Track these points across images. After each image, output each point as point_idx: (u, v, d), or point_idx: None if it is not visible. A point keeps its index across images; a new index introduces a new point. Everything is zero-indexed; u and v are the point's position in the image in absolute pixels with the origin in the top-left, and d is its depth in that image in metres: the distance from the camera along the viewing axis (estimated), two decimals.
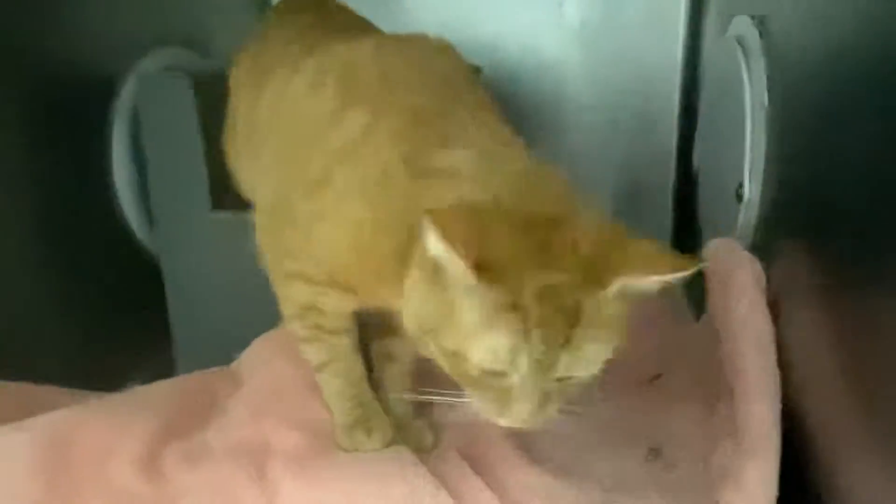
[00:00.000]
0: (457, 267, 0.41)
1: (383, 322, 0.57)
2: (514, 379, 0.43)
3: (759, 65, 0.67)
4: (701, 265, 0.43)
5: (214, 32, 0.93)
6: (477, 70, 0.87)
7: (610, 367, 0.74)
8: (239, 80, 0.74)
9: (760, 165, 0.67)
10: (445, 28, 0.93)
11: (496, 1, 0.99)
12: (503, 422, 0.45)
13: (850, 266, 0.50)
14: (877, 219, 0.45)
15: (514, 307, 0.41)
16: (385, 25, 0.77)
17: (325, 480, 0.53)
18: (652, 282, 0.42)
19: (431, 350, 0.45)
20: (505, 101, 0.97)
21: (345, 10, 0.78)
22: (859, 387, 0.48)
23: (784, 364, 0.58)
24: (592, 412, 0.64)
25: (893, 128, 0.43)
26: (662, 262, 0.43)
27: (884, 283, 0.44)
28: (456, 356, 0.43)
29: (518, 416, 0.44)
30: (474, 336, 0.42)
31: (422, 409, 0.64)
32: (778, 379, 0.57)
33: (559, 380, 0.44)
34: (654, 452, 0.61)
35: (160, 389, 0.65)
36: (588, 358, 0.43)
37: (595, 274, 0.42)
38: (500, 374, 0.43)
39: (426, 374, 0.53)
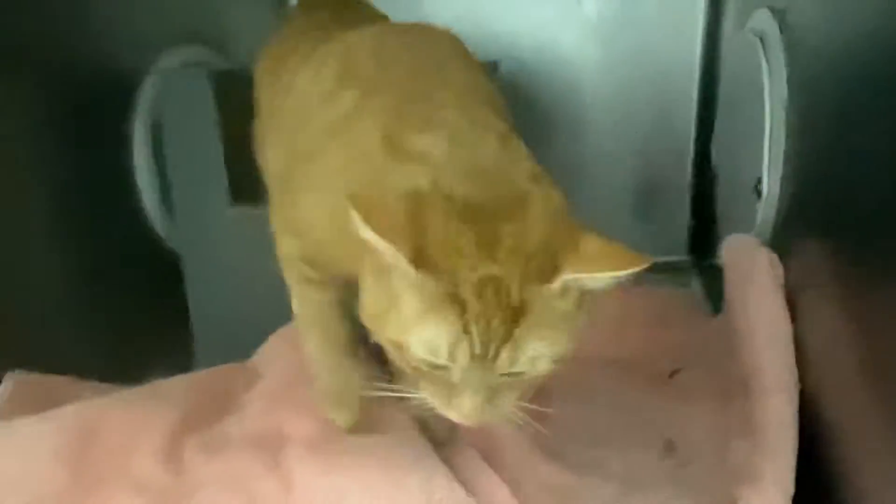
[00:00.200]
0: (391, 255, 0.40)
1: None
2: (456, 373, 0.42)
3: (779, 59, 0.67)
4: (649, 263, 0.42)
5: (233, 31, 0.94)
6: (494, 65, 0.88)
7: (625, 363, 0.74)
8: (261, 77, 0.74)
9: (780, 161, 0.66)
10: (461, 22, 0.93)
11: None
12: (451, 415, 0.44)
13: (870, 262, 0.49)
14: None
15: (453, 299, 0.40)
16: (402, 20, 0.77)
17: (339, 469, 0.54)
18: (598, 279, 0.41)
19: (382, 340, 0.45)
20: (521, 96, 0.98)
21: (363, 6, 0.79)
22: (878, 384, 0.47)
23: (802, 360, 0.57)
24: (608, 407, 0.64)
25: None
26: (610, 259, 0.41)
27: None
28: (400, 348, 0.43)
29: (462, 410, 0.43)
30: (413, 328, 0.41)
31: None
32: (796, 375, 0.57)
33: (508, 375, 0.42)
34: (670, 448, 0.61)
35: (180, 383, 0.66)
36: (533, 355, 0.42)
37: (540, 269, 0.40)
38: (442, 368, 0.42)
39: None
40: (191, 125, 0.78)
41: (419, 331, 0.41)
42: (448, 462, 0.55)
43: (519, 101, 0.97)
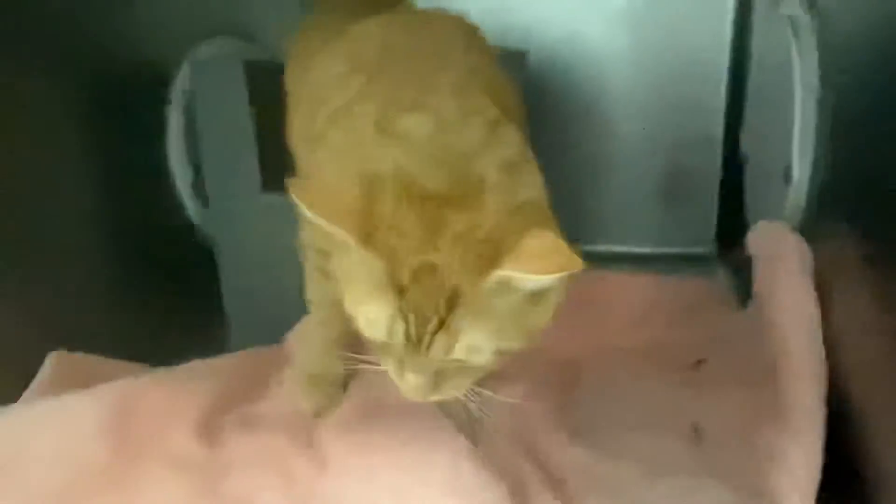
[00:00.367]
0: (341, 236, 0.41)
1: None
2: (397, 352, 0.43)
3: (810, 43, 0.66)
4: (580, 267, 0.41)
5: (264, 22, 0.95)
6: (523, 55, 0.88)
7: (651, 352, 0.74)
8: (290, 66, 0.76)
9: (810, 146, 0.66)
10: (490, 12, 0.93)
11: None
12: (401, 389, 0.45)
13: None
14: None
15: (393, 282, 0.41)
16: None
17: (371, 448, 0.55)
18: (530, 280, 0.41)
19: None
20: (550, 85, 0.98)
21: None
22: None
23: (830, 347, 0.57)
24: (634, 393, 0.65)
25: None
26: (543, 261, 0.40)
27: None
28: (353, 320, 0.44)
29: (407, 385, 0.44)
30: (359, 305, 0.43)
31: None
32: (824, 362, 0.57)
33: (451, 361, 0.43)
34: (696, 434, 0.61)
35: (215, 364, 0.68)
36: (470, 345, 0.42)
37: (480, 261, 0.40)
38: (388, 344, 0.43)
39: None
40: (224, 114, 0.79)
41: (364, 308, 0.43)
42: (475, 442, 0.56)
43: (547, 90, 0.97)
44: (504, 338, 0.43)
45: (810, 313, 0.58)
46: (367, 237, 0.41)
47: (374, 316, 0.43)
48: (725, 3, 0.94)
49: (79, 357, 0.67)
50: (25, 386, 0.63)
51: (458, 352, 0.42)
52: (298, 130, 0.64)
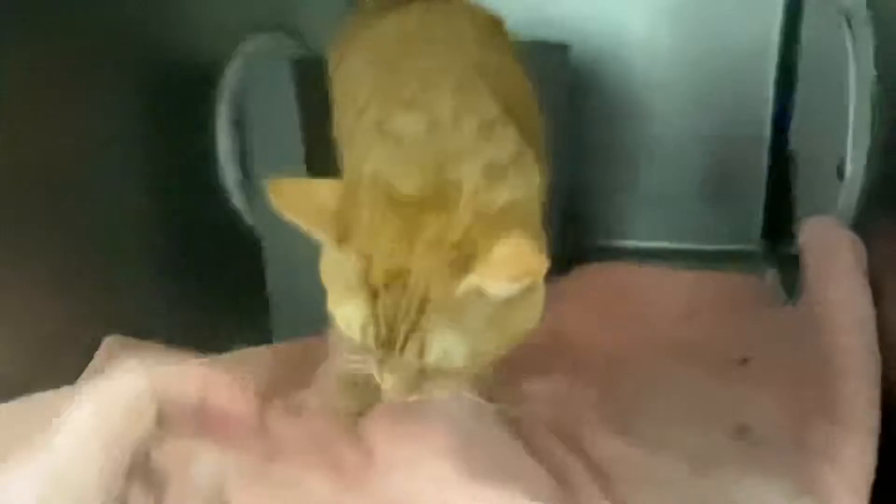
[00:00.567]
0: (319, 236, 0.42)
1: None
2: (374, 353, 0.43)
3: (866, 36, 0.64)
4: (542, 273, 0.40)
5: (312, 18, 0.97)
6: (564, 48, 0.88)
7: (696, 348, 0.74)
8: (333, 64, 0.77)
9: (864, 141, 0.65)
10: (529, 5, 0.94)
11: None
12: (382, 389, 0.45)
13: None
14: None
15: (366, 284, 0.41)
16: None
17: (414, 439, 0.56)
18: (499, 287, 0.40)
19: None
20: (590, 79, 0.98)
21: None
22: None
23: (885, 346, 0.56)
24: (679, 389, 0.64)
25: None
26: (510, 268, 0.40)
27: None
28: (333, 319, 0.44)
29: (386, 385, 0.44)
30: (336, 305, 0.43)
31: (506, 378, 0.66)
32: (878, 360, 0.55)
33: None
34: (742, 429, 0.60)
35: (263, 351, 0.70)
36: (444, 348, 0.42)
37: (452, 267, 0.40)
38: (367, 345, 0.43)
39: None
40: (272, 109, 0.81)
41: (340, 309, 0.43)
42: (517, 432, 0.56)
43: (590, 84, 0.97)
44: (481, 342, 0.42)
45: (864, 311, 0.57)
46: (343, 238, 0.41)
47: (349, 317, 0.43)
48: None
49: (132, 342, 0.69)
50: (83, 369, 0.65)
51: (431, 356, 0.42)
52: (337, 127, 0.65)
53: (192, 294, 0.84)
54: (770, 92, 0.95)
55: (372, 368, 0.45)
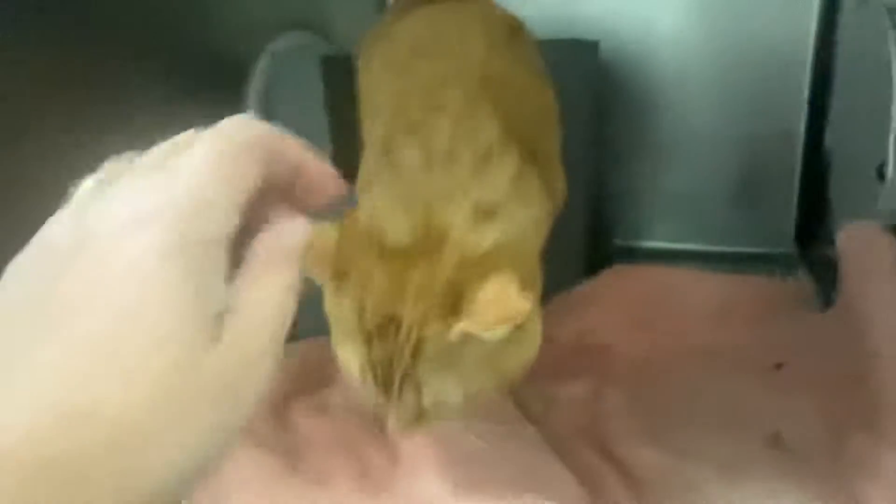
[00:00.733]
0: (316, 277, 0.41)
1: None
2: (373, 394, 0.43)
3: None
4: (523, 318, 0.39)
5: (340, 18, 0.97)
6: (594, 45, 0.86)
7: (729, 353, 0.72)
8: (361, 67, 0.77)
9: None
10: (561, 3, 0.92)
11: None
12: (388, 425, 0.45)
13: None
14: None
15: (362, 331, 0.41)
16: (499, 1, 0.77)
17: (440, 441, 0.55)
18: (487, 332, 0.40)
19: None
20: (619, 76, 0.96)
21: None
22: None
23: None
24: (711, 395, 0.63)
25: None
26: (493, 313, 0.39)
27: None
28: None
29: (389, 423, 0.44)
30: (337, 343, 0.44)
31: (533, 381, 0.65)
32: None
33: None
34: (776, 438, 0.58)
35: (286, 349, 0.69)
36: (438, 392, 0.42)
37: (442, 314, 0.40)
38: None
39: None
40: (299, 107, 0.81)
41: (339, 349, 0.44)
42: (546, 437, 0.56)
43: (619, 81, 0.95)
44: (475, 383, 0.43)
45: None
46: (340, 282, 0.41)
47: (348, 359, 0.43)
48: None
49: None
50: None
51: (427, 400, 0.42)
52: (362, 129, 0.65)
53: None
54: (805, 89, 0.93)
55: (375, 404, 0.45)
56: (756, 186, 0.97)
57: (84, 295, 0.22)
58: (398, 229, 0.42)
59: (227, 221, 0.24)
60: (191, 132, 0.27)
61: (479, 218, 0.43)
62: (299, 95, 0.80)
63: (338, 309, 0.43)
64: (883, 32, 0.65)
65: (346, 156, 0.79)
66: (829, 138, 0.88)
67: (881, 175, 0.65)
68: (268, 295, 0.25)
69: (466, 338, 0.40)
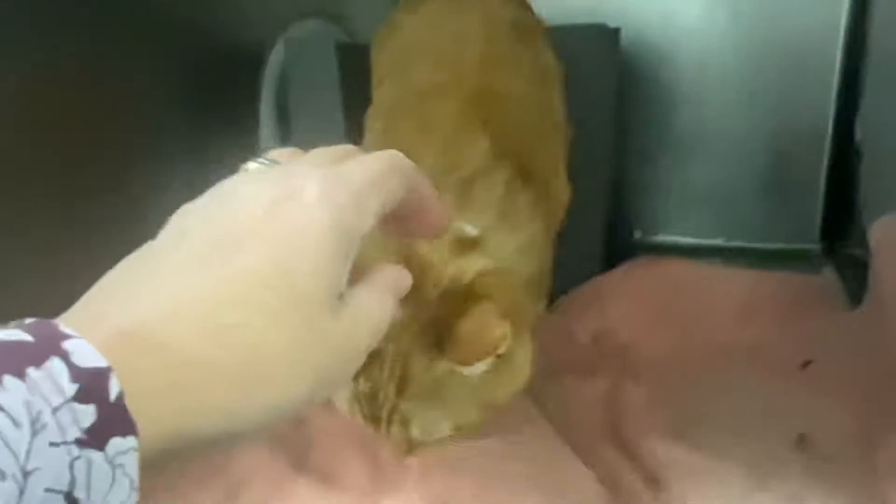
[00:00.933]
0: None
1: None
2: None
3: None
4: (498, 354, 0.39)
5: (354, 5, 0.96)
6: (615, 32, 0.84)
7: (754, 351, 0.70)
8: (373, 60, 0.76)
9: None
10: None
11: None
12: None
13: None
14: None
15: None
16: None
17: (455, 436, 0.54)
18: (470, 369, 0.40)
19: None
20: (641, 65, 0.94)
21: None
22: None
23: None
24: (736, 394, 0.61)
25: None
26: (472, 347, 0.39)
27: None
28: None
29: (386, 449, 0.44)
30: None
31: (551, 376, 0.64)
32: None
33: None
34: (803, 440, 0.57)
35: None
36: (425, 427, 0.42)
37: (421, 349, 0.40)
38: None
39: None
40: (315, 94, 0.80)
41: None
42: (567, 437, 0.54)
43: (640, 70, 0.93)
44: (463, 416, 0.42)
45: None
46: None
47: (335, 394, 0.43)
48: None
49: None
50: None
51: (415, 433, 0.42)
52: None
53: None
54: (835, 79, 0.90)
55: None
56: (781, 181, 0.95)
57: (253, 237, 0.25)
58: (381, 261, 0.41)
59: (369, 222, 0.28)
60: (349, 147, 0.33)
61: (461, 249, 0.42)
62: (315, 83, 0.80)
63: None
64: None
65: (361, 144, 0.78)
66: (860, 132, 0.85)
67: None
68: (378, 301, 0.30)
69: (452, 372, 0.40)
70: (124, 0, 0.68)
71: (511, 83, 0.52)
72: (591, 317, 0.72)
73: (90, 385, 0.20)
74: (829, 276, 0.85)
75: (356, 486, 0.53)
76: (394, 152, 0.31)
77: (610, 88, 0.84)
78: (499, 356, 0.40)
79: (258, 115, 0.86)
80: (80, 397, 0.20)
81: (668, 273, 0.76)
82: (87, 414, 0.20)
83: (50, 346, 0.21)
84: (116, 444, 0.20)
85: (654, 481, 0.52)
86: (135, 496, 0.21)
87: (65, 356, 0.20)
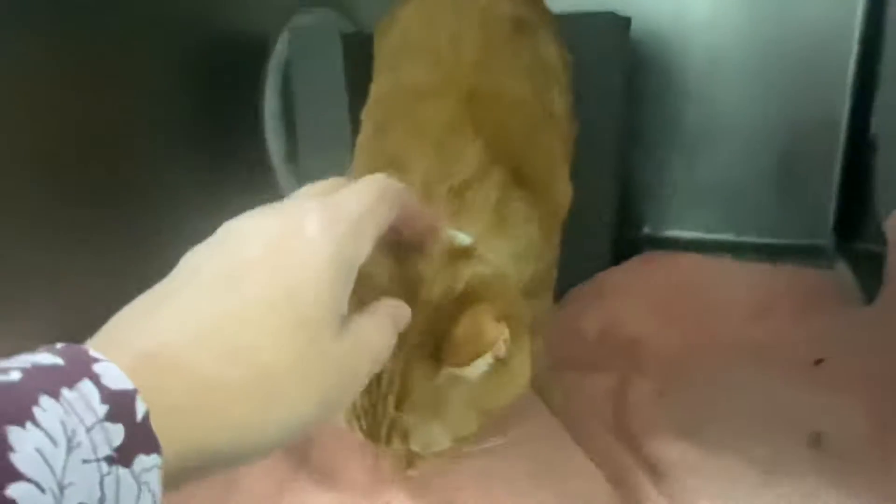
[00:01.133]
0: None
1: None
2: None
3: None
4: (492, 353, 0.39)
5: None
6: (626, 22, 0.83)
7: (767, 347, 0.69)
8: (376, 49, 0.74)
9: None
10: None
11: None
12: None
13: None
14: None
15: None
16: None
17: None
18: (468, 369, 0.39)
19: None
20: (651, 56, 0.92)
21: None
22: None
23: None
24: (749, 392, 0.60)
25: None
26: (468, 349, 0.38)
27: None
28: None
29: (385, 466, 0.44)
30: None
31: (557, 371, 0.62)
32: None
33: None
34: (817, 437, 0.55)
35: None
36: (426, 436, 0.41)
37: (419, 361, 0.39)
38: None
39: None
40: (320, 83, 0.79)
41: None
42: (574, 434, 0.53)
43: (651, 61, 0.92)
44: (462, 427, 0.42)
45: None
46: None
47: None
48: None
49: None
50: None
51: (415, 446, 0.42)
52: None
53: None
54: (849, 73, 0.88)
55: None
56: (794, 175, 0.93)
57: (260, 268, 0.27)
58: (375, 274, 0.40)
59: (366, 249, 0.30)
60: (337, 179, 0.34)
61: (455, 257, 0.41)
62: (319, 73, 0.79)
63: None
64: None
65: None
66: (876, 125, 0.84)
67: None
68: (379, 329, 0.32)
69: (451, 381, 0.39)
70: None
71: (506, 84, 0.51)
72: (599, 311, 0.71)
73: (119, 406, 0.22)
74: (842, 271, 0.84)
75: (356, 484, 0.52)
76: (382, 176, 0.33)
77: (620, 78, 0.83)
78: (498, 359, 0.39)
79: (263, 105, 0.85)
80: (111, 417, 0.22)
81: (678, 268, 0.75)
82: (117, 433, 0.21)
83: (81, 369, 0.22)
84: (142, 461, 0.22)
85: (662, 479, 0.51)
86: None
87: (95, 379, 0.22)
